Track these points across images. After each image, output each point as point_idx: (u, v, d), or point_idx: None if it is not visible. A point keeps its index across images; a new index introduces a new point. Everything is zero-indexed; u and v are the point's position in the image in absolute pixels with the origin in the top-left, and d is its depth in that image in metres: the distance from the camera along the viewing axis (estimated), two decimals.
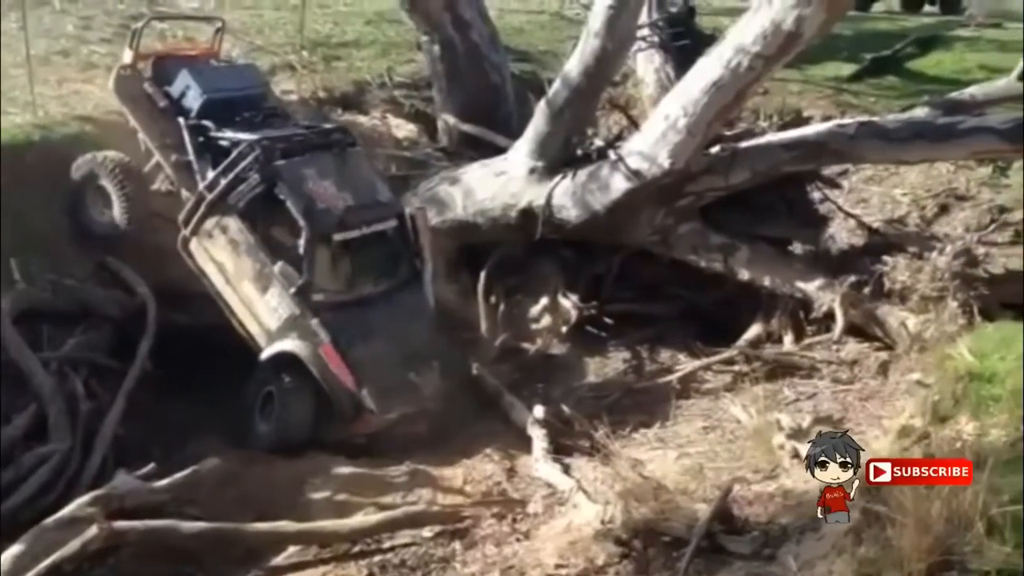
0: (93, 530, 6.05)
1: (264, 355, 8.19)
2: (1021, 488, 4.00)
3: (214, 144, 8.67)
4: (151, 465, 6.98)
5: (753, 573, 5.15)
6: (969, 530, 3.56)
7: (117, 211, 8.86)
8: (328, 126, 9.54)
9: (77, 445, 7.38)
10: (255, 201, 8.26)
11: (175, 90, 9.01)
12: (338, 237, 8.22)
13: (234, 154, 8.37)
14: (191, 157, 8.67)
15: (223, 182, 8.31)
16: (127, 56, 9.29)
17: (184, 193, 8.69)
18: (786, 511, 5.93)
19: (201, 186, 8.47)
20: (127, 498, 6.62)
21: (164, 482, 6.84)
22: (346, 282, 8.45)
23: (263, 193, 8.24)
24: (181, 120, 8.80)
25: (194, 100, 8.87)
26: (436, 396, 8.26)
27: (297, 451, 7.83)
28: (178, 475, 6.91)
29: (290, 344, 8.04)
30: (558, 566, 6.05)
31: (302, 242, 8.07)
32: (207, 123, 8.72)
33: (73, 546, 5.98)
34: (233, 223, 8.29)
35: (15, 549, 5.99)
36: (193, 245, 8.50)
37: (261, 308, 8.23)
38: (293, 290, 8.01)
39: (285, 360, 8.07)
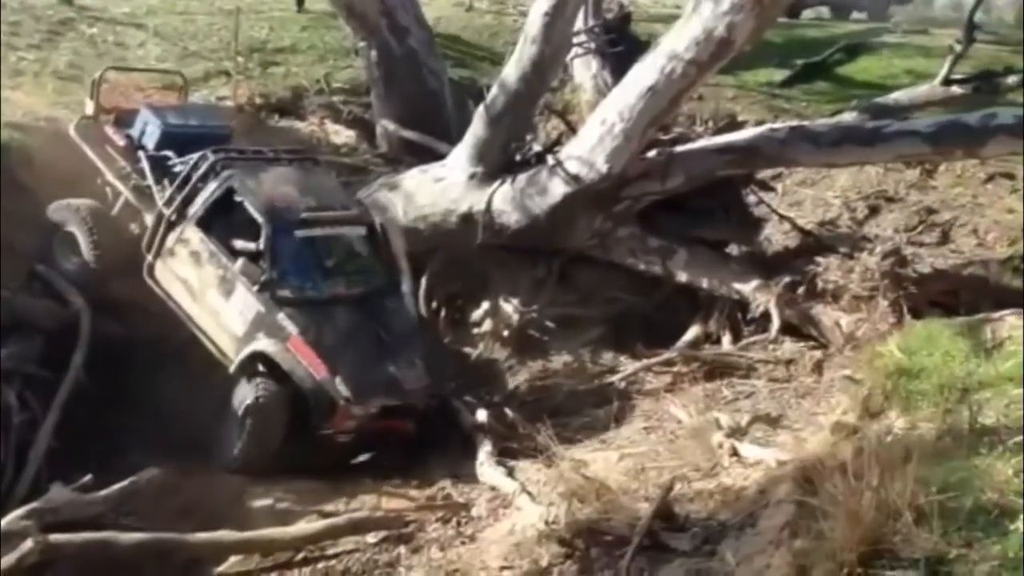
0: (28, 544, 5.93)
1: (233, 365, 7.97)
2: (947, 479, 4.15)
3: (172, 170, 8.67)
4: (87, 477, 6.82)
5: (693, 569, 5.24)
6: (898, 520, 3.68)
7: (86, 256, 8.78)
8: (290, 148, 9.59)
9: (10, 457, 7.26)
10: (213, 209, 8.25)
11: (135, 129, 9.12)
12: (300, 234, 8.18)
13: (188, 166, 8.39)
14: (150, 182, 8.66)
15: (179, 197, 8.32)
16: (88, 107, 9.36)
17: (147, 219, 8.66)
18: (725, 507, 6.03)
19: (159, 204, 8.43)
20: (63, 511, 6.47)
21: (101, 493, 6.70)
22: (315, 280, 8.34)
23: (221, 199, 8.23)
24: (141, 153, 8.86)
25: (152, 134, 8.94)
26: (421, 393, 8.06)
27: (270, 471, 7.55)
28: (116, 486, 6.76)
29: (258, 344, 7.86)
30: (503, 568, 6.09)
31: (262, 239, 8.00)
32: (167, 153, 8.76)
33: (9, 560, 5.85)
34: (193, 235, 8.25)
35: None
36: (158, 269, 8.39)
37: (227, 315, 8.07)
38: (256, 287, 7.89)
39: (254, 367, 7.84)
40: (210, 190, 8.28)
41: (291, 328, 7.79)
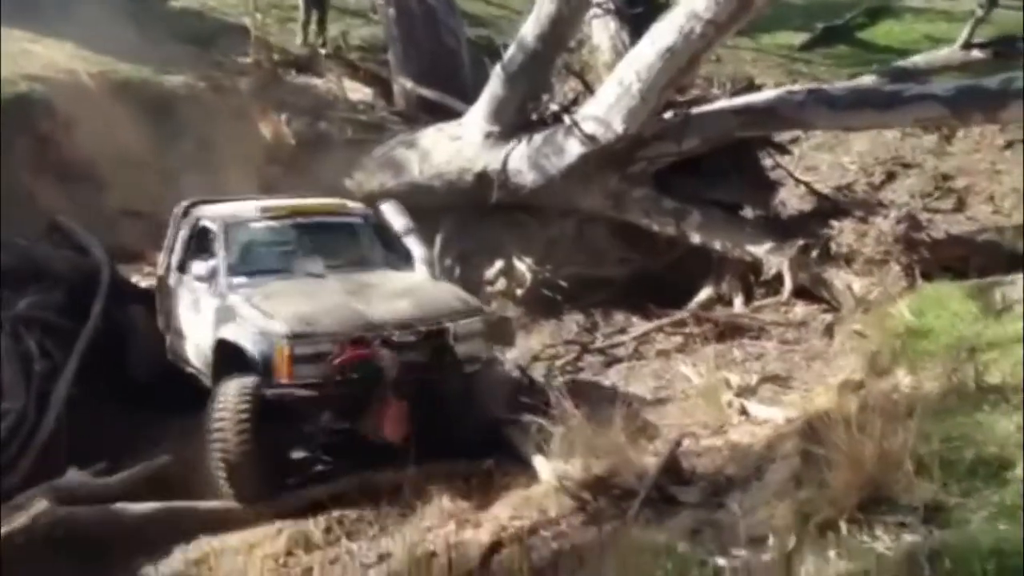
0: (42, 504, 6.05)
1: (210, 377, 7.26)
2: (950, 433, 4.22)
3: None
4: (103, 462, 6.83)
5: (700, 520, 5.31)
6: (899, 470, 3.76)
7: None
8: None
9: (31, 404, 7.34)
10: (187, 251, 8.01)
11: None
12: (257, 225, 7.83)
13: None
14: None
15: (166, 257, 8.27)
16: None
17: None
18: (733, 462, 6.13)
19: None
20: (78, 492, 6.48)
21: (116, 477, 6.70)
22: (275, 262, 7.76)
23: (191, 238, 8.01)
24: None
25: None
26: (399, 326, 6.91)
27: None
28: (129, 471, 6.75)
29: (217, 334, 7.15)
30: (512, 518, 6.20)
31: (215, 236, 7.67)
32: None
33: (23, 519, 5.99)
34: (174, 279, 8.09)
35: None
36: (170, 341, 8.09)
37: (200, 332, 7.51)
38: (205, 282, 7.45)
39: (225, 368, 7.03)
40: (183, 232, 8.11)
41: (235, 300, 7.15)
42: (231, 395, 6.56)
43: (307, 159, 10.62)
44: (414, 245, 8.44)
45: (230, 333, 7.00)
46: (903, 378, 5.48)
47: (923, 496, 3.61)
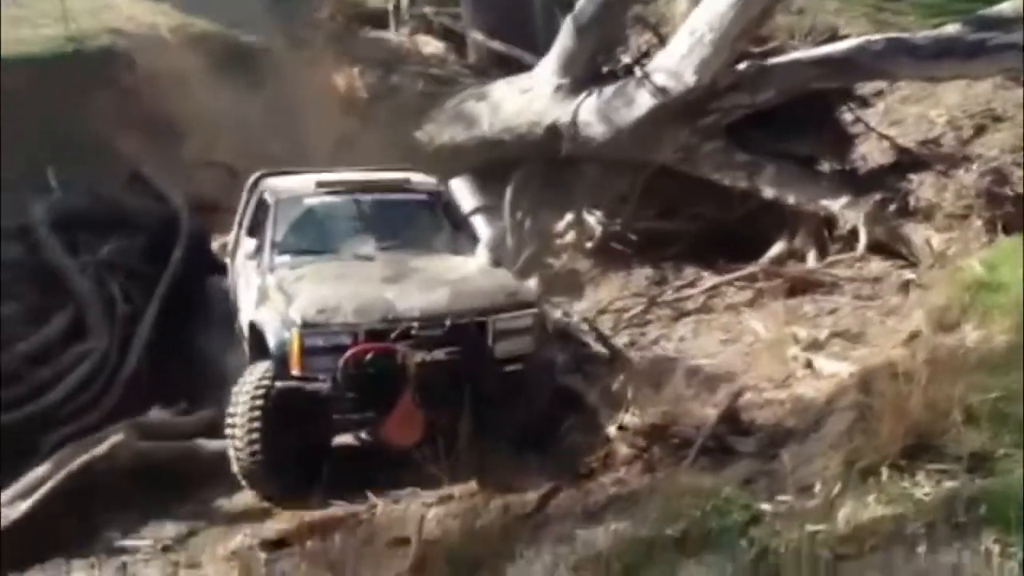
0: (120, 435, 6.38)
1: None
2: (1009, 386, 4.12)
3: None
4: (183, 403, 7.15)
5: (756, 470, 5.31)
6: (946, 419, 3.70)
7: None
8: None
9: (115, 345, 7.67)
10: (251, 224, 7.76)
11: None
12: (310, 201, 7.49)
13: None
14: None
15: (233, 232, 8.17)
16: None
17: None
18: (793, 415, 6.10)
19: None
20: (159, 429, 6.82)
21: (194, 416, 7.02)
22: (324, 240, 7.46)
23: (256, 212, 7.77)
24: None
25: None
26: (425, 317, 6.33)
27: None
28: (206, 411, 7.02)
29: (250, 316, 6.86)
30: (570, 464, 6.29)
31: (269, 212, 7.42)
32: None
33: (103, 448, 6.32)
34: (239, 258, 7.84)
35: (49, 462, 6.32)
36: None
37: (246, 312, 7.18)
38: (253, 259, 7.20)
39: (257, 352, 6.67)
40: (251, 204, 7.89)
41: (272, 282, 6.79)
42: (246, 389, 6.22)
43: (379, 112, 10.74)
44: (481, 226, 7.78)
45: (259, 316, 6.69)
46: (971, 332, 5.36)
47: (970, 445, 3.56)
